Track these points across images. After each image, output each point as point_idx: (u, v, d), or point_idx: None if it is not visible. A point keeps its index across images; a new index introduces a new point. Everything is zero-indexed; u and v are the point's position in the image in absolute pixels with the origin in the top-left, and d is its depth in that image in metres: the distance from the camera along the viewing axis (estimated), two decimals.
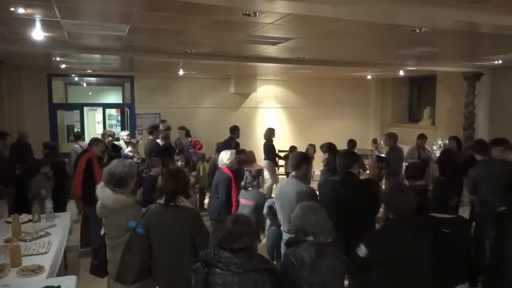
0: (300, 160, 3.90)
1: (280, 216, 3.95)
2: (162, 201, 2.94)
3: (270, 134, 8.45)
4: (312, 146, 8.26)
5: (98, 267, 3.15)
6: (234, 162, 5.03)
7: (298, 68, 8.38)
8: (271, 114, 11.16)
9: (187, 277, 2.20)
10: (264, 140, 8.49)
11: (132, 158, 6.56)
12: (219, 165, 5.06)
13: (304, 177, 3.94)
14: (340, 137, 7.97)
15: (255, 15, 3.88)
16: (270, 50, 6.17)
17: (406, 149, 8.73)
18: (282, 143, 9.79)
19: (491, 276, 2.98)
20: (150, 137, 7.75)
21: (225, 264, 2.10)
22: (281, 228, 3.98)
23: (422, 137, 7.55)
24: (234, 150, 5.26)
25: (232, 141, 8.07)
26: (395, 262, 2.61)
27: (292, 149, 8.15)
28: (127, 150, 7.61)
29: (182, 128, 8.88)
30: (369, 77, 11.02)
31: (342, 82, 11.53)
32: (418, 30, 4.53)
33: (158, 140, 7.63)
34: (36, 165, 5.76)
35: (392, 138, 6.95)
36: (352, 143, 7.63)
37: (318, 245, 2.39)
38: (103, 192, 3.00)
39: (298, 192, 3.66)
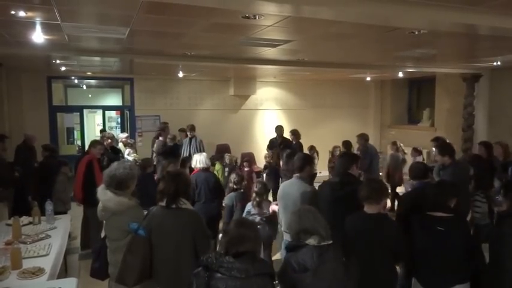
0: (304, 162, 3.98)
1: (282, 217, 3.97)
2: (163, 203, 2.96)
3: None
4: (337, 147, 8.29)
5: (99, 270, 3.14)
6: (208, 164, 5.20)
7: (297, 70, 8.39)
8: (271, 116, 11.17)
9: (188, 282, 2.20)
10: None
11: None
12: (195, 167, 5.18)
13: (308, 178, 3.99)
14: (340, 138, 7.98)
15: (255, 18, 3.89)
16: (270, 52, 6.19)
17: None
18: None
19: (490, 276, 2.98)
20: (160, 138, 7.91)
21: (227, 269, 2.09)
22: (281, 229, 4.00)
23: (433, 140, 7.08)
24: (205, 153, 5.40)
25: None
26: (350, 244, 2.97)
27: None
28: (126, 152, 7.66)
29: (182, 130, 8.90)
30: (368, 78, 11.04)
31: (341, 84, 11.55)
32: (416, 32, 4.55)
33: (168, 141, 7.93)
34: (57, 166, 5.85)
35: (363, 138, 7.49)
36: (346, 144, 7.59)
37: (320, 248, 2.36)
38: (104, 195, 3.00)
39: (303, 192, 3.71)
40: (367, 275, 2.85)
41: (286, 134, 8.43)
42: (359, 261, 2.83)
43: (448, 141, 8.71)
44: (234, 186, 4.91)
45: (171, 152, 7.70)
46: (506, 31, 4.06)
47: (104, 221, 3.11)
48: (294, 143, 8.13)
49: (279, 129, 8.45)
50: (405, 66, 8.34)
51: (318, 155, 8.15)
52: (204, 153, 5.36)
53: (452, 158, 4.88)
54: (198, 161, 5.15)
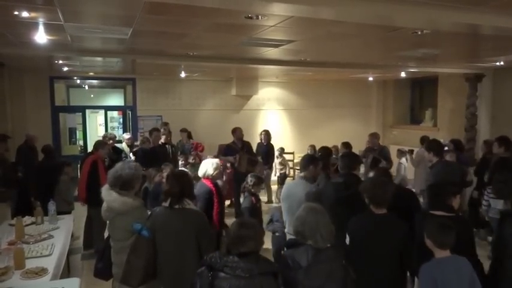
0: (307, 161, 3.98)
1: (286, 218, 3.95)
2: (166, 204, 2.96)
3: None
4: (312, 146, 8.29)
5: (102, 270, 3.15)
6: (218, 174, 4.31)
7: (299, 70, 8.39)
8: (273, 116, 11.17)
9: (192, 282, 2.20)
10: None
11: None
12: (201, 176, 4.14)
13: (312, 178, 3.97)
14: (342, 138, 7.95)
15: (257, 18, 3.89)
16: (272, 53, 6.19)
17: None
18: (283, 145, 9.78)
19: (492, 276, 2.96)
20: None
21: (231, 269, 2.10)
22: (285, 230, 3.97)
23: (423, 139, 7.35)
24: (217, 160, 4.46)
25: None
26: (357, 245, 2.93)
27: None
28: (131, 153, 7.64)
29: (184, 130, 8.88)
30: (371, 78, 11.02)
31: (343, 84, 11.53)
32: (419, 32, 4.54)
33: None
34: (60, 166, 5.89)
35: (376, 138, 7.40)
36: (347, 145, 7.48)
37: (316, 249, 2.37)
38: (109, 195, 3.01)
39: (307, 193, 3.69)
40: (373, 276, 2.84)
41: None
42: (364, 262, 2.82)
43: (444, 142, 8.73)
44: (252, 190, 4.47)
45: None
46: (509, 31, 4.05)
47: (108, 221, 3.11)
48: (265, 144, 8.19)
49: (240, 131, 7.79)
50: (408, 66, 8.32)
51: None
52: (216, 160, 4.43)
53: (440, 156, 4.68)
54: (210, 169, 4.14)
